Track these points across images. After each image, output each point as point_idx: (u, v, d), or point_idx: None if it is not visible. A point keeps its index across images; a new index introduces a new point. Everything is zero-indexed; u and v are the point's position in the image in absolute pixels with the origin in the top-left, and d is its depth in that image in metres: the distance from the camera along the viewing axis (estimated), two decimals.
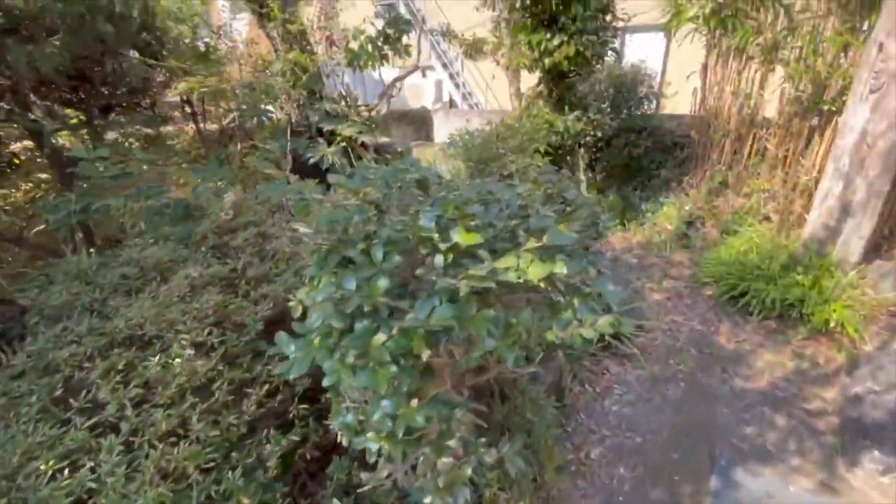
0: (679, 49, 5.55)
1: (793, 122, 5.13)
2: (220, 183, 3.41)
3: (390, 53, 5.61)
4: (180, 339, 1.76)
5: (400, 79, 5.36)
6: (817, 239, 4.23)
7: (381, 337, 1.11)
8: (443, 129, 8.68)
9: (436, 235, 1.18)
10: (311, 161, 4.31)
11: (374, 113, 5.54)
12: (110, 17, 3.33)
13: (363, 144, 4.86)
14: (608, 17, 4.59)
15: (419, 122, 8.90)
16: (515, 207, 1.52)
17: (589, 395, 3.42)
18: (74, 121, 3.71)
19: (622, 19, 4.90)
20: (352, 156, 4.87)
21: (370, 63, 5.21)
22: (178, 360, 1.69)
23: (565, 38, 4.12)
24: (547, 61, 4.30)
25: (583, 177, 7.04)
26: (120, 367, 1.67)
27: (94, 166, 2.70)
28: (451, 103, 13.25)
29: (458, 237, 1.13)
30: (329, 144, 4.56)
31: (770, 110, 5.48)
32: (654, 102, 6.46)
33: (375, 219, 1.43)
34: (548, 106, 4.97)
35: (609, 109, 5.64)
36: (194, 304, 1.92)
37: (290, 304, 1.40)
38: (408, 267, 1.28)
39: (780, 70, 5.04)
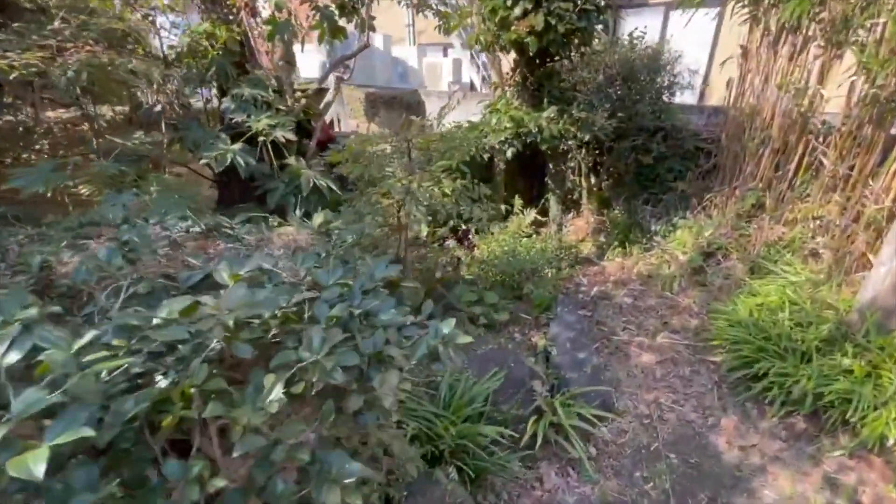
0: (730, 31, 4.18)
1: (863, 130, 3.72)
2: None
3: (349, 25, 4.60)
4: None
5: (347, 57, 4.35)
6: (882, 306, 2.93)
7: None
8: (450, 115, 7.57)
9: None
10: (202, 161, 3.43)
11: (323, 97, 4.58)
12: None
13: (289, 141, 3.92)
14: None
15: (410, 107, 7.83)
16: None
17: None
18: None
19: None
20: (269, 156, 3.94)
21: (314, 36, 4.23)
22: None
23: (528, 6, 2.95)
24: (503, 37, 3.15)
25: (584, 183, 5.81)
26: None
27: None
28: (472, 85, 12.01)
29: None
30: (236, 140, 3.64)
31: (831, 111, 4.06)
32: (678, 93, 5.08)
33: None
34: (520, 99, 3.81)
35: (610, 103, 4.37)
36: None
37: None
38: None
39: (849, 57, 3.63)
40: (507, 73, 3.99)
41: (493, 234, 4.93)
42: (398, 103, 7.83)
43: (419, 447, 2.09)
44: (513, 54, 3.79)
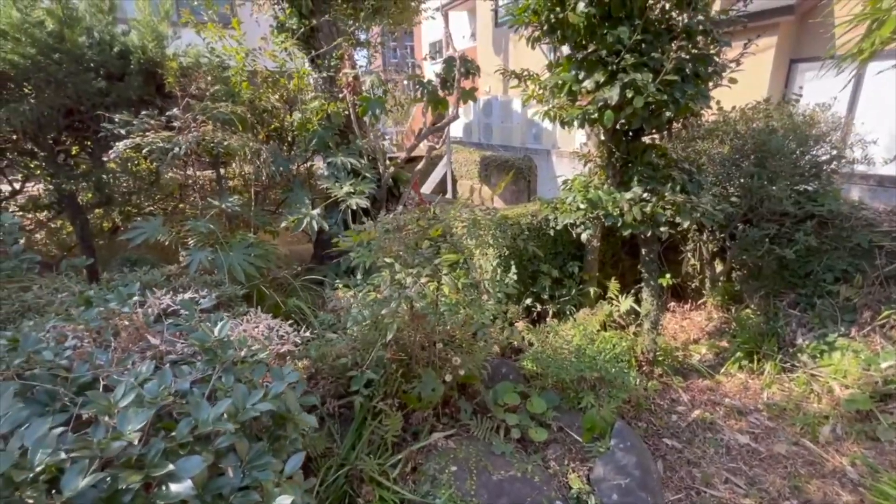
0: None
1: None
2: None
3: (450, 98, 4.78)
4: None
5: (438, 128, 4.42)
6: None
7: None
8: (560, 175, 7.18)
9: None
10: (283, 225, 3.73)
11: (417, 164, 4.77)
12: (108, 76, 3.44)
13: (376, 204, 4.08)
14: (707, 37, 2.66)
15: (521, 171, 7.64)
16: None
17: None
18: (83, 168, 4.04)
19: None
20: (349, 219, 4.13)
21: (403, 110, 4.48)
22: None
23: (600, 79, 2.49)
24: (569, 111, 2.72)
25: (706, 270, 4.78)
26: None
27: None
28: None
29: None
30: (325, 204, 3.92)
31: None
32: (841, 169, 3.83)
33: None
34: (605, 176, 3.29)
35: (733, 183, 3.45)
36: None
37: None
38: None
39: None
40: (592, 148, 3.54)
41: (574, 320, 4.31)
42: (509, 166, 7.74)
43: None
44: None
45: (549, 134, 12.13)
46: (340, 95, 4.57)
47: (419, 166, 4.70)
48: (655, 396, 3.63)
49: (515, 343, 3.92)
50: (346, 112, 4.52)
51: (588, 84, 2.70)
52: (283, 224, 3.89)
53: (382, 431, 2.38)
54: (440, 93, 4.81)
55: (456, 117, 4.44)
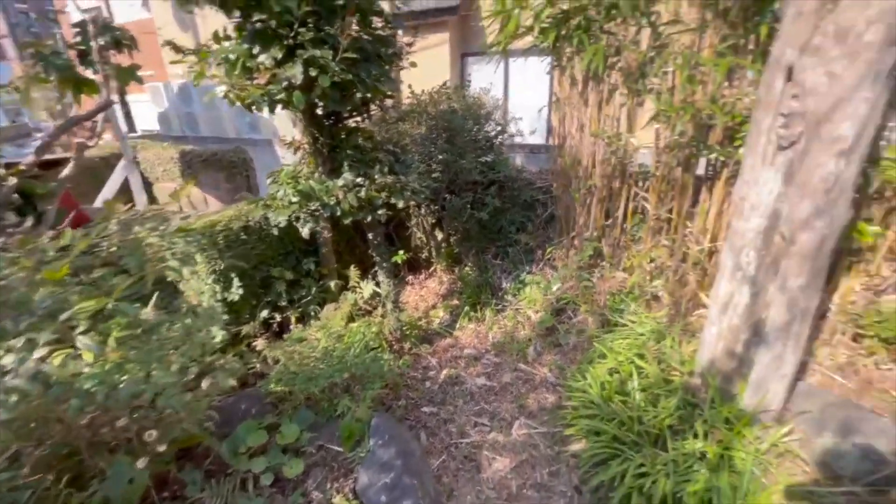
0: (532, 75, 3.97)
1: (674, 174, 3.70)
2: None
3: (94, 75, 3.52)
4: None
5: (80, 119, 3.24)
6: (720, 370, 2.67)
7: None
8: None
9: None
10: None
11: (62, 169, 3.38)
12: None
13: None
14: (377, 20, 2.76)
15: (234, 166, 6.71)
16: None
17: None
18: None
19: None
20: None
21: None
22: None
23: (278, 55, 2.25)
24: (251, 92, 2.40)
25: (430, 240, 5.26)
26: None
27: None
28: None
29: None
30: None
31: (648, 156, 4.06)
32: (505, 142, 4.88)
33: None
34: (314, 163, 3.08)
35: (434, 161, 3.90)
36: None
37: None
38: None
39: (651, 104, 3.60)
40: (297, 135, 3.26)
41: (319, 319, 4.05)
42: (218, 162, 6.67)
43: None
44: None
45: (267, 122, 11.13)
46: None
47: (65, 172, 3.36)
48: (409, 370, 3.79)
49: (258, 366, 3.38)
50: None
51: (265, 60, 2.34)
52: None
53: None
54: (81, 70, 3.54)
55: (109, 104, 3.33)
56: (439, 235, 5.26)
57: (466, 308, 4.53)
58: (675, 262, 3.82)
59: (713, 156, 3.38)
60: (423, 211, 4.88)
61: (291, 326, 3.94)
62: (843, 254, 3.38)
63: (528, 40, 3.77)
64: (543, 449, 3.02)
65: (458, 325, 4.45)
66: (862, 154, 2.00)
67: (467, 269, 5.02)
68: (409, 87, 4.85)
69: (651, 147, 3.78)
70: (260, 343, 3.51)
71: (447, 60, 8.81)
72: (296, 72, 2.27)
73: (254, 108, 2.58)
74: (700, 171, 3.76)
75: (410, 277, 5.34)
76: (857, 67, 1.80)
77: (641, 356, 3.22)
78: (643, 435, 2.66)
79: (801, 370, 3.11)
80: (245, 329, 3.66)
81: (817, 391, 2.89)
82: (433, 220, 5.06)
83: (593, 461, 2.67)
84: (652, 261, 4.05)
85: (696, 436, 2.53)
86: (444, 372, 3.79)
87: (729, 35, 3.07)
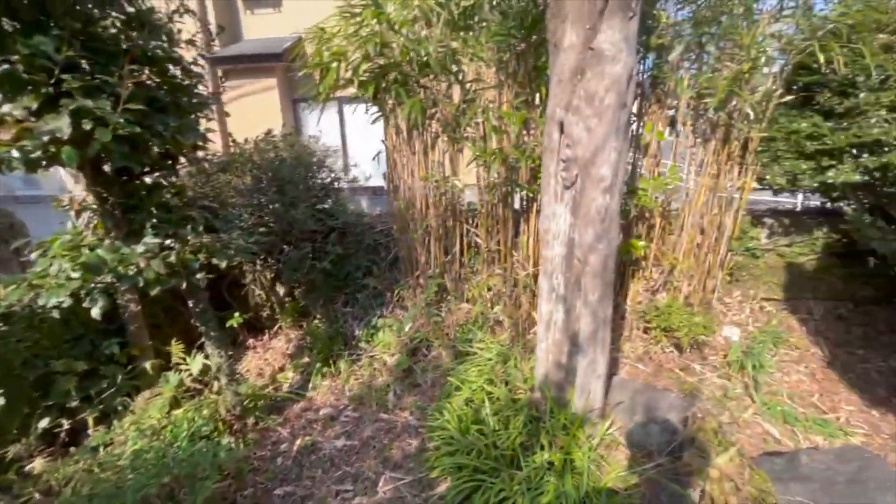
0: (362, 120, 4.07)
1: (496, 210, 4.14)
2: None
3: None
4: None
5: None
6: (553, 382, 2.98)
7: None
8: None
9: None
10: None
11: None
12: None
13: None
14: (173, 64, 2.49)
15: None
16: None
17: None
18: None
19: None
20: None
21: None
22: None
23: (33, 105, 1.85)
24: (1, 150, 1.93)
25: (271, 297, 4.84)
26: None
27: None
28: None
29: None
30: None
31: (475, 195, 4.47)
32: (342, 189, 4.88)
33: None
34: (103, 228, 2.57)
35: (252, 217, 3.64)
36: None
37: None
38: None
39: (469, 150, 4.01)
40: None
41: (133, 413, 3.31)
42: None
43: None
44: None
45: (50, 174, 9.08)
46: None
47: None
48: (256, 450, 3.33)
49: (36, 496, 2.57)
50: None
51: (15, 111, 1.88)
52: None
53: None
54: None
55: None
56: (281, 290, 4.89)
57: (319, 364, 4.24)
58: (509, 287, 4.23)
59: (523, 193, 3.90)
60: (258, 266, 4.48)
61: (89, 431, 3.12)
62: (627, 265, 4.17)
63: (352, 90, 3.89)
64: (411, 499, 2.92)
65: (311, 385, 4.12)
66: (620, 189, 2.52)
67: (316, 321, 4.74)
68: (231, 135, 4.50)
69: (475, 186, 4.20)
70: (38, 464, 2.69)
71: (277, 106, 8.53)
72: (61, 124, 1.88)
73: (3, 168, 2.05)
74: (517, 205, 4.31)
75: (252, 341, 4.80)
76: (605, 124, 2.28)
77: (491, 381, 3.42)
78: (499, 459, 2.78)
79: (614, 366, 3.69)
80: (13, 450, 2.77)
81: (627, 382, 3.45)
82: (272, 275, 4.69)
83: (458, 499, 2.68)
84: (490, 289, 4.41)
85: (542, 448, 2.75)
86: (298, 442, 3.43)
87: (520, 93, 3.64)
